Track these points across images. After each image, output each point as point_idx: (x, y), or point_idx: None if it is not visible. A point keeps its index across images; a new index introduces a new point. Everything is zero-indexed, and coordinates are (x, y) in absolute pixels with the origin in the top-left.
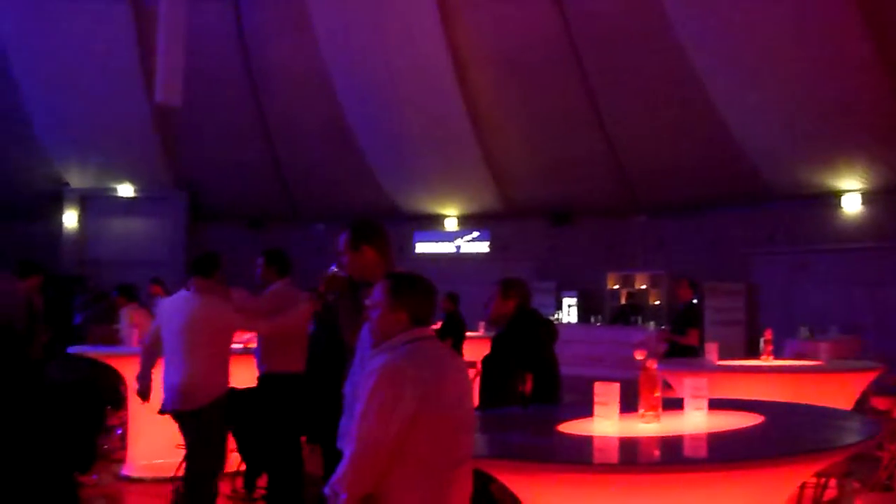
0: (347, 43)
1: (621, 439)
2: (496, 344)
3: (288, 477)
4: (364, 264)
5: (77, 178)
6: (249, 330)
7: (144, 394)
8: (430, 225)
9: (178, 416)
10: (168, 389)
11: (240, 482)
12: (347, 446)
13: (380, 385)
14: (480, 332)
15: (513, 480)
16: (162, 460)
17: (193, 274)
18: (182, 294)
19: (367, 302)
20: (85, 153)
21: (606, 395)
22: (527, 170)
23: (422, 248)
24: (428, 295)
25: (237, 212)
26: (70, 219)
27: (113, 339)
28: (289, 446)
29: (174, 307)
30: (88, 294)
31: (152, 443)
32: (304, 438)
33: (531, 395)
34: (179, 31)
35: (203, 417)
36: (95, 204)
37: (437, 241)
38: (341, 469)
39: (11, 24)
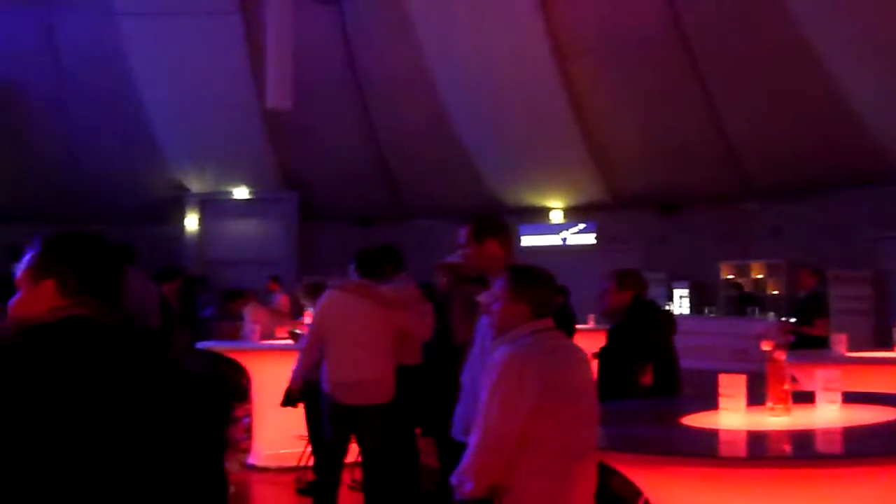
0: (449, 41)
1: (749, 433)
2: (613, 336)
3: (404, 468)
4: (486, 257)
5: (196, 184)
6: (410, 328)
7: (297, 393)
8: (535, 218)
9: (356, 411)
10: (345, 385)
11: (358, 473)
12: (473, 436)
13: (503, 377)
14: (590, 325)
15: (636, 474)
16: (286, 450)
17: (362, 272)
18: (348, 291)
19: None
20: (203, 160)
21: (732, 387)
22: (633, 159)
23: (527, 241)
24: (548, 286)
25: (346, 210)
26: (191, 222)
27: (237, 336)
28: (405, 438)
29: (345, 304)
30: (212, 293)
31: (276, 433)
32: (418, 430)
33: (651, 388)
34: (287, 38)
35: (385, 412)
36: (213, 207)
37: (542, 235)
38: (467, 458)
39: (135, 41)
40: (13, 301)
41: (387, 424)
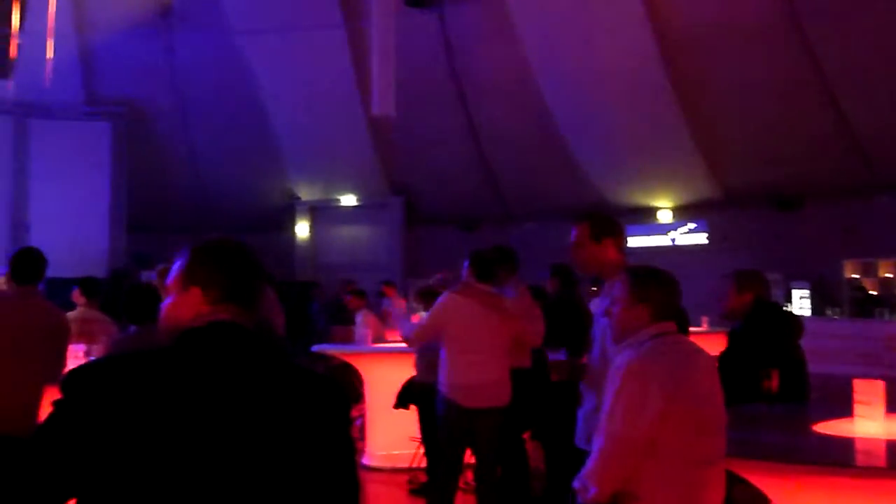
0: (551, 40)
1: (889, 441)
2: (735, 339)
3: (515, 472)
4: (603, 258)
5: (306, 192)
6: (525, 337)
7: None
8: (643, 218)
9: (474, 414)
10: (465, 388)
11: (470, 475)
12: (596, 441)
13: (626, 382)
14: (704, 328)
15: (765, 482)
16: (398, 451)
17: (477, 275)
18: (470, 296)
19: (601, 300)
20: (312, 169)
21: (869, 393)
22: (745, 153)
23: (634, 242)
24: (671, 289)
25: (450, 215)
26: (302, 229)
27: (350, 339)
28: (514, 441)
29: (467, 309)
30: (324, 298)
31: (389, 435)
32: (527, 434)
33: (778, 394)
34: (390, 46)
35: (501, 416)
36: (323, 214)
37: (650, 235)
38: (591, 463)
39: (250, 59)
40: (164, 305)
41: (501, 428)
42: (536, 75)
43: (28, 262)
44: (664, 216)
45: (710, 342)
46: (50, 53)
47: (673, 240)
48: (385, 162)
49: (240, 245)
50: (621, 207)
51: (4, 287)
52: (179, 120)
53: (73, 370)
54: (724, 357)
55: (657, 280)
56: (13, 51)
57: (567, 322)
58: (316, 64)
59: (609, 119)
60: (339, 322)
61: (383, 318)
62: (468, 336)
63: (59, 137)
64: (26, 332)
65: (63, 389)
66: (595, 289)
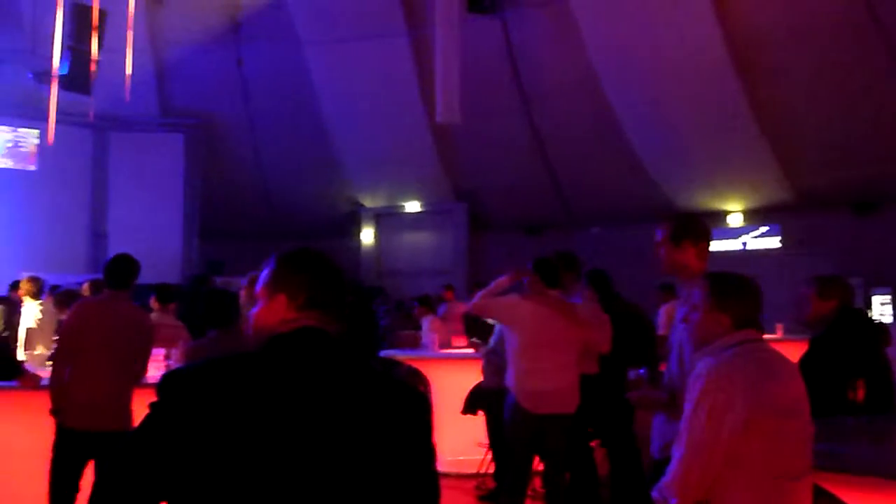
0: (616, 42)
1: None
2: (817, 347)
3: (584, 478)
4: (681, 261)
5: (371, 199)
6: (595, 345)
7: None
8: (712, 222)
9: (543, 421)
10: (534, 394)
11: (538, 482)
12: (676, 450)
13: (707, 390)
14: (779, 335)
15: (851, 497)
16: (466, 457)
17: (544, 281)
18: (543, 304)
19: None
20: (377, 176)
21: None
22: (821, 154)
23: None
24: (753, 295)
25: (514, 220)
26: (367, 235)
27: (416, 344)
28: (583, 448)
29: (539, 315)
30: (389, 303)
31: (457, 440)
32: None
33: (863, 404)
34: (454, 53)
35: (569, 422)
36: (387, 221)
37: (720, 239)
38: (670, 473)
39: (316, 69)
40: (252, 313)
41: (570, 435)
42: (601, 77)
43: (121, 268)
44: (735, 220)
45: (786, 350)
46: (129, 70)
47: (744, 244)
48: (449, 168)
49: (322, 254)
50: (690, 211)
51: (87, 293)
52: (248, 130)
53: (169, 374)
54: (804, 366)
55: (738, 286)
56: (93, 68)
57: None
58: (380, 73)
59: (676, 120)
60: (404, 327)
61: (444, 322)
62: (538, 342)
63: (135, 149)
64: (117, 334)
65: (159, 392)
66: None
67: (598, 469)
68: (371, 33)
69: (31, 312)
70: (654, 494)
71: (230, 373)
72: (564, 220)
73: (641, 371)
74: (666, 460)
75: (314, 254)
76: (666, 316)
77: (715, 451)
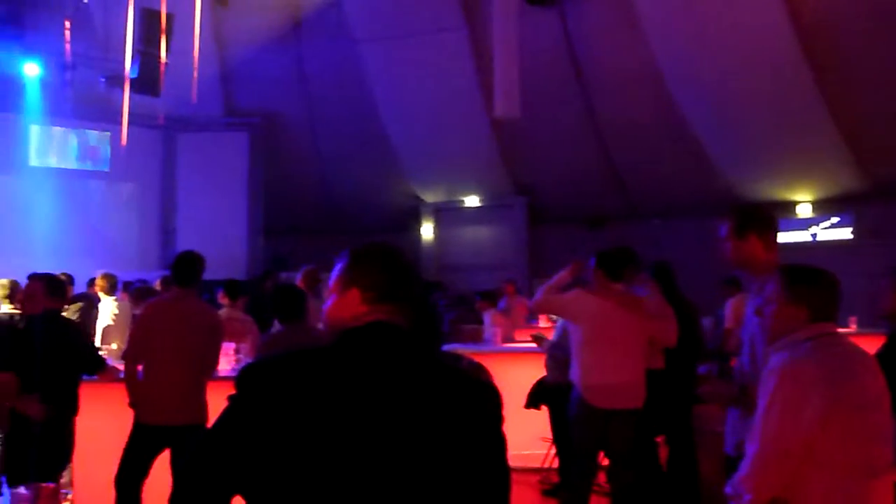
0: (677, 30)
1: None
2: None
3: (649, 474)
4: (749, 254)
5: (430, 195)
6: (662, 338)
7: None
8: (780, 212)
9: (609, 415)
10: (600, 389)
11: (603, 477)
12: (750, 446)
13: (782, 385)
14: (852, 329)
15: None
16: (529, 451)
17: (608, 274)
18: (607, 298)
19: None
20: (436, 171)
21: None
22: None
23: None
24: (830, 288)
25: (575, 213)
26: (427, 230)
27: (478, 338)
28: (648, 444)
29: (604, 309)
30: (448, 298)
31: (520, 435)
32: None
33: None
34: (513, 46)
35: (635, 417)
36: (447, 216)
37: (789, 231)
38: (744, 469)
39: (375, 65)
40: (327, 306)
41: (636, 430)
42: (662, 67)
43: (189, 266)
44: (804, 210)
45: (861, 344)
46: (196, 71)
47: (814, 235)
48: (508, 162)
49: (395, 248)
50: (756, 201)
51: (158, 288)
52: (309, 128)
53: (247, 366)
54: (883, 360)
55: (815, 278)
56: (162, 71)
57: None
58: (438, 68)
59: (741, 108)
60: (463, 321)
61: (506, 316)
62: (602, 336)
63: (202, 149)
64: (186, 331)
65: (238, 384)
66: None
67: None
68: (428, 29)
69: (108, 308)
70: (728, 490)
71: (306, 366)
72: (625, 212)
73: (712, 367)
74: (739, 457)
75: (386, 248)
76: (733, 310)
77: (791, 446)
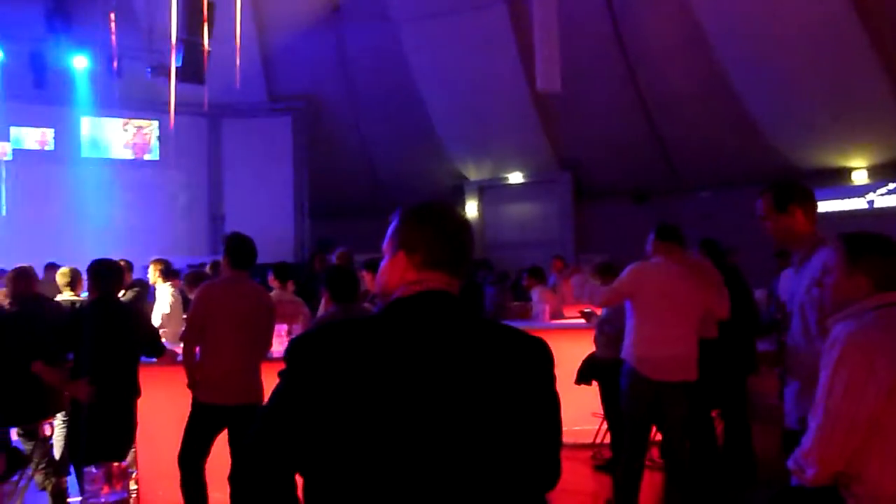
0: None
1: None
2: None
3: (704, 449)
4: (790, 227)
5: (474, 172)
6: (716, 310)
7: None
8: (835, 180)
9: (661, 387)
10: (653, 360)
11: (656, 452)
12: (812, 419)
13: (846, 356)
14: None
15: None
16: (581, 427)
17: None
18: (661, 268)
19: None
20: (479, 149)
21: None
22: None
23: (825, 206)
24: (892, 255)
25: (620, 186)
26: (471, 208)
27: (526, 315)
28: (703, 418)
29: (660, 280)
30: (493, 276)
31: (571, 410)
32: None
33: None
34: (553, 20)
35: (689, 390)
36: (491, 193)
37: (843, 199)
38: (807, 442)
39: (414, 45)
40: (380, 267)
41: (689, 403)
42: (708, 34)
43: (243, 249)
44: (859, 177)
45: None
46: (238, 58)
47: (870, 202)
48: (552, 137)
49: (447, 209)
50: (809, 170)
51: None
52: (351, 110)
53: (294, 340)
54: None
55: (876, 246)
56: (206, 59)
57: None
58: (478, 45)
59: (792, 75)
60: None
61: (554, 292)
62: (657, 307)
63: (246, 134)
64: (241, 312)
65: (287, 358)
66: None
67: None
68: (467, 5)
69: (163, 294)
70: (790, 464)
71: (355, 335)
72: (672, 185)
73: (770, 341)
74: (801, 431)
75: (437, 208)
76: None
77: (856, 419)
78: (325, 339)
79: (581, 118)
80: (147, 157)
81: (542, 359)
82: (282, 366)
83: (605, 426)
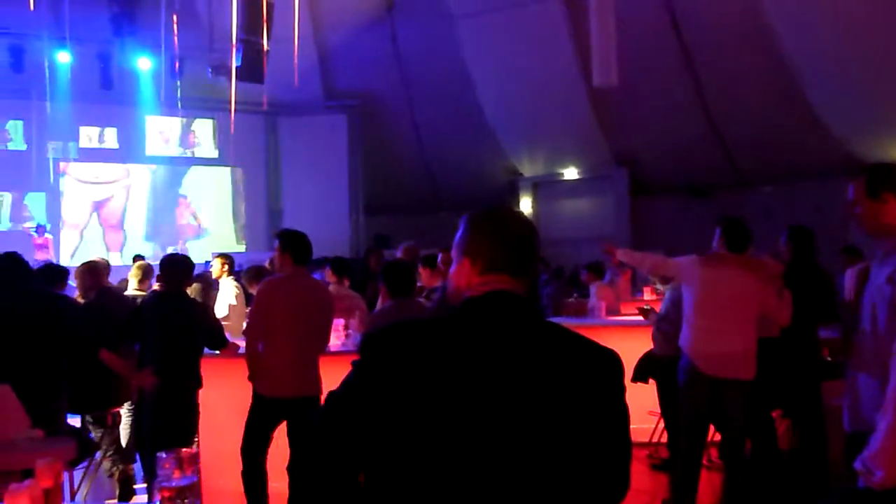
0: None
1: None
2: None
3: (763, 449)
4: (879, 215)
5: (528, 168)
6: (776, 315)
7: None
8: None
9: (720, 385)
10: (711, 357)
11: (715, 452)
12: (882, 419)
13: None
14: None
15: None
16: (637, 425)
17: (731, 246)
18: (729, 265)
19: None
20: (533, 145)
21: None
22: None
23: None
24: None
25: (678, 181)
26: (525, 204)
27: (583, 312)
28: (762, 417)
29: (719, 271)
30: (548, 272)
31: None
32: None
33: None
34: (609, 14)
35: (748, 389)
36: (546, 189)
37: None
38: (875, 444)
39: (469, 40)
40: (449, 272)
41: (749, 401)
42: (772, 24)
43: (304, 245)
44: None
45: None
46: (296, 58)
47: None
48: (607, 132)
49: (508, 215)
50: (874, 163)
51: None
52: (406, 106)
53: (369, 335)
54: None
55: None
56: (265, 58)
57: (805, 290)
58: (534, 39)
59: (857, 64)
60: (564, 295)
61: (612, 288)
62: (717, 302)
63: (303, 132)
64: (301, 307)
65: (361, 351)
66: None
67: (780, 441)
68: (523, 0)
69: (227, 287)
70: (857, 466)
71: (428, 335)
72: (732, 179)
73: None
74: (864, 432)
75: (498, 215)
76: (853, 280)
77: None
78: (398, 336)
79: (637, 112)
80: (207, 155)
81: (614, 370)
82: (338, 360)
83: (661, 425)
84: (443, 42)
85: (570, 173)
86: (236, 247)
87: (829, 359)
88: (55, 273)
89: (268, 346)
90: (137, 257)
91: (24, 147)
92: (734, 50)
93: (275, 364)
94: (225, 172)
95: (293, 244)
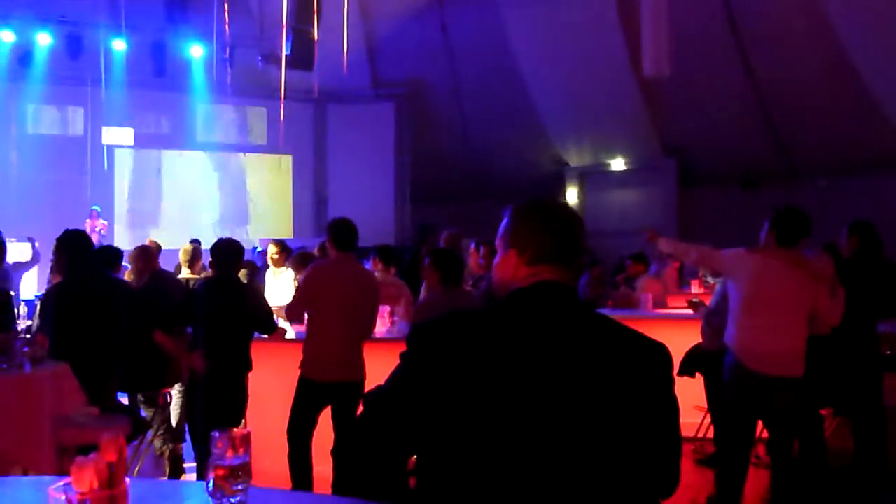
0: None
1: None
2: None
3: (812, 448)
4: None
5: (575, 158)
6: (825, 315)
7: None
8: None
9: (767, 382)
10: (758, 354)
11: (762, 449)
12: None
13: None
14: None
15: None
16: (683, 420)
17: (779, 240)
18: (777, 258)
19: None
20: (581, 134)
21: None
22: None
23: None
24: None
25: (728, 173)
26: (571, 195)
27: (630, 303)
28: (811, 416)
29: (768, 265)
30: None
31: None
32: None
33: None
34: (662, 1)
35: (797, 387)
36: (592, 179)
37: None
38: None
39: (518, 30)
40: (494, 263)
41: (798, 399)
42: (827, 9)
43: (348, 232)
44: None
45: None
46: (345, 45)
47: None
48: (656, 123)
49: (553, 207)
50: None
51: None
52: (454, 95)
53: (418, 326)
54: None
55: None
56: (315, 47)
57: (867, 285)
58: (583, 28)
59: None
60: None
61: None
62: (765, 297)
63: (351, 120)
64: (347, 293)
65: (409, 342)
66: None
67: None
68: None
69: (287, 275)
70: None
71: (477, 326)
72: (783, 171)
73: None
74: None
75: (544, 207)
76: None
77: None
78: (447, 329)
79: (688, 103)
80: (256, 142)
81: (663, 363)
82: (383, 347)
83: (708, 420)
84: (491, 31)
85: (618, 164)
86: (283, 233)
87: (888, 353)
88: (112, 255)
89: (313, 330)
90: (194, 241)
91: (80, 133)
92: (789, 36)
93: (320, 348)
94: (274, 160)
95: (334, 230)
